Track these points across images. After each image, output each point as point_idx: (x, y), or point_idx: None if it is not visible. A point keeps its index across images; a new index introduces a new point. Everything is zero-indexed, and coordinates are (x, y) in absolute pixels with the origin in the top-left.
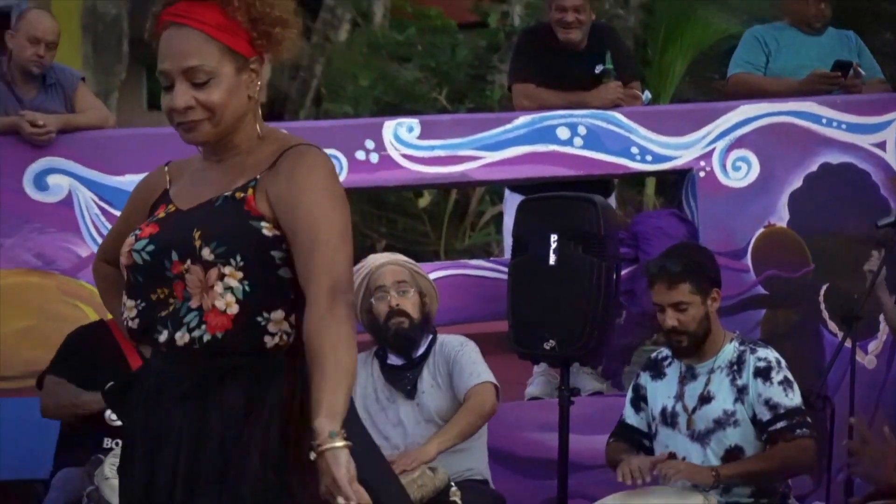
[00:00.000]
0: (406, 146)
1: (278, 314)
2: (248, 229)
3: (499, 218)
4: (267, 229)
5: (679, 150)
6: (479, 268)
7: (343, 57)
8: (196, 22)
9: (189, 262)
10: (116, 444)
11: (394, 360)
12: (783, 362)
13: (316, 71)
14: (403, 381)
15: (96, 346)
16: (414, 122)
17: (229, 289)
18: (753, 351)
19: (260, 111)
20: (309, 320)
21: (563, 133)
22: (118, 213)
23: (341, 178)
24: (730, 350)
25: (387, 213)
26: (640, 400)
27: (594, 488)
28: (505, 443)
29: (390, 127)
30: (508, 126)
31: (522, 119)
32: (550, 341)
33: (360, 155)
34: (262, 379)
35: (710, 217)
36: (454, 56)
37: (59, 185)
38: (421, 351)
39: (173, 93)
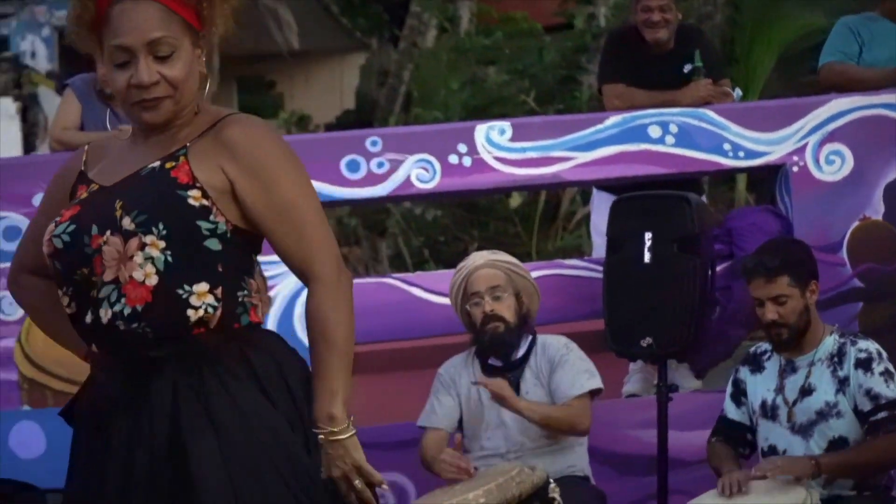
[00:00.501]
0: (498, 149)
1: (202, 287)
2: (174, 198)
3: (589, 218)
4: (194, 199)
5: (771, 146)
6: (573, 267)
7: (431, 62)
8: None
9: (108, 233)
10: None
11: (494, 361)
12: (884, 354)
13: (404, 77)
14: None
15: None
16: (506, 125)
17: (150, 259)
18: (854, 343)
19: (208, 86)
20: (318, 302)
21: (654, 132)
22: None
23: (435, 182)
24: (830, 342)
25: (478, 216)
26: (740, 394)
27: (694, 484)
28: (604, 441)
29: (482, 130)
30: (600, 126)
31: (613, 119)
32: (647, 339)
33: (454, 159)
34: (191, 374)
35: (805, 212)
36: (541, 59)
37: None
38: (521, 353)
39: (138, 68)
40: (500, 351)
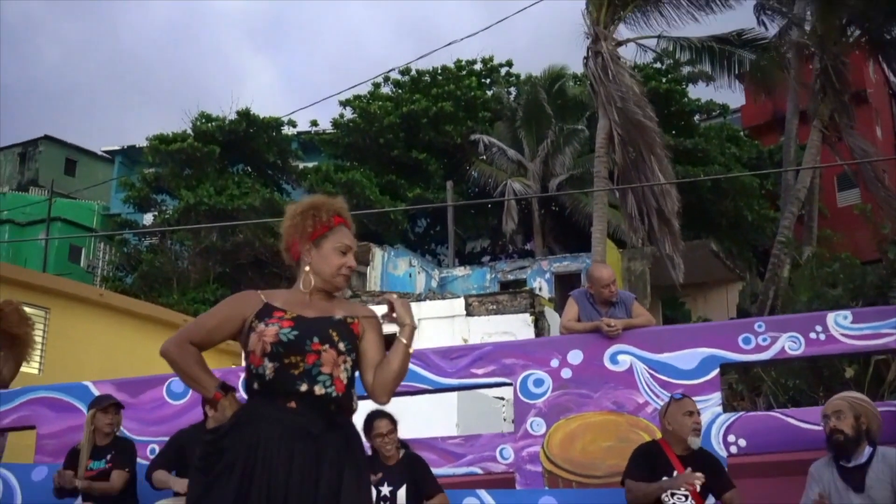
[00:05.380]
0: (843, 328)
1: (354, 392)
2: (356, 341)
3: None
4: (359, 343)
5: None
6: None
7: (787, 285)
8: (350, 227)
9: (327, 346)
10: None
11: (844, 462)
12: None
13: (769, 295)
14: (854, 479)
15: (653, 457)
16: (848, 312)
17: (346, 369)
18: None
19: None
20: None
21: None
22: (663, 377)
23: (801, 350)
24: None
25: (824, 382)
26: None
27: None
28: None
29: (832, 317)
30: None
31: None
32: None
33: (813, 335)
34: (349, 434)
35: None
36: (864, 280)
37: (625, 360)
38: (864, 459)
39: (349, 258)
40: (839, 453)
